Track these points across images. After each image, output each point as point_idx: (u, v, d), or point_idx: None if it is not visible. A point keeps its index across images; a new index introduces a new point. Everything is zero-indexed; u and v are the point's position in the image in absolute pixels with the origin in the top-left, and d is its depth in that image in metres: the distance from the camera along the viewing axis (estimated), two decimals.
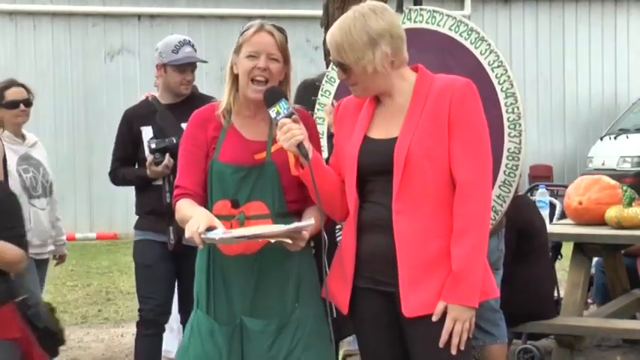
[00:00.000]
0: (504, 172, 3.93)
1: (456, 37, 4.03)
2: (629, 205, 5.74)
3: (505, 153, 3.91)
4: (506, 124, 3.90)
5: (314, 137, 3.32)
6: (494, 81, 3.92)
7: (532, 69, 15.95)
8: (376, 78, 3.12)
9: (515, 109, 3.92)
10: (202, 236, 3.05)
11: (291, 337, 3.25)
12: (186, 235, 3.10)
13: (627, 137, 14.60)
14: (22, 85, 5.49)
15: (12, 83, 5.45)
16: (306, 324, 3.27)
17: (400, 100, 3.15)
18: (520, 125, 3.90)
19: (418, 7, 4.23)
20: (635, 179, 13.04)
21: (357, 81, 3.15)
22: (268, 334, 3.25)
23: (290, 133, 3.10)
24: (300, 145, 3.10)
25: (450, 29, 4.03)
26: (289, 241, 3.13)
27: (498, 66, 3.94)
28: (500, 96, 3.91)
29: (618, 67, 16.59)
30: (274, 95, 3.18)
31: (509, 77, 3.93)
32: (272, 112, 3.16)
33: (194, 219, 3.10)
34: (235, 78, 3.34)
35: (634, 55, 16.61)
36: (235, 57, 3.32)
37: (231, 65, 3.34)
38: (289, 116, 3.14)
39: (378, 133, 3.17)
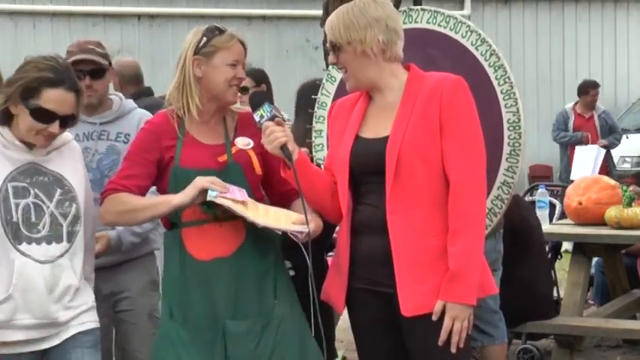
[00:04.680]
0: (508, 143, 3.98)
1: (435, 27, 4.09)
2: (629, 205, 5.74)
3: (505, 125, 3.96)
4: (500, 96, 3.95)
5: None
6: (480, 58, 3.98)
7: (532, 69, 15.92)
8: (366, 64, 3.12)
9: (507, 80, 3.98)
10: (217, 198, 3.10)
11: (274, 334, 3.25)
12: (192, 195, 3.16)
13: (627, 137, 14.57)
14: None
15: None
16: (286, 320, 3.27)
17: (391, 98, 3.16)
18: (515, 94, 3.96)
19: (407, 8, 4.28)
20: (635, 179, 13.01)
21: (346, 64, 3.15)
22: (254, 334, 3.24)
23: (273, 136, 3.12)
24: (283, 147, 3.12)
25: (427, 22, 4.10)
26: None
27: (482, 43, 4.00)
28: (489, 71, 3.97)
29: (618, 68, 16.56)
30: (258, 99, 3.22)
31: (494, 51, 4.01)
32: (256, 116, 3.20)
33: (187, 189, 3.16)
34: (197, 81, 3.30)
35: (634, 55, 16.60)
36: (204, 60, 3.28)
37: (193, 68, 3.28)
38: (272, 119, 3.17)
39: (369, 132, 3.17)
